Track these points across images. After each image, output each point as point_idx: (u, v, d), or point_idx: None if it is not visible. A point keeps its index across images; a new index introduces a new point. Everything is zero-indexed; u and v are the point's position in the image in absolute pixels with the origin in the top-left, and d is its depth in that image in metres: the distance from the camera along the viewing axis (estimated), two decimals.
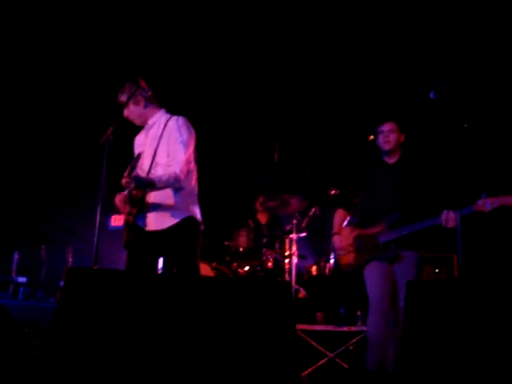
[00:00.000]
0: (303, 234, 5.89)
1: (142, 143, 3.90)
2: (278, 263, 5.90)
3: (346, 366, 4.82)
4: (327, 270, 5.99)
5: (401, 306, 3.56)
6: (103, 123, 3.75)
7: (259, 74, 6.68)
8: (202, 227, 3.78)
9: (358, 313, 5.25)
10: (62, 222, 6.93)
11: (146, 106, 3.84)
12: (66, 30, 6.24)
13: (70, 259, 5.93)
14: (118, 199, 3.72)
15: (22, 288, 5.84)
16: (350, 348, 4.87)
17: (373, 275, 3.82)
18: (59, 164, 6.91)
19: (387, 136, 3.98)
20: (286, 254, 5.68)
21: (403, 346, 2.62)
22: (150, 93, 3.84)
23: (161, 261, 4.73)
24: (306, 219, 5.95)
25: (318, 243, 6.43)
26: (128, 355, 2.29)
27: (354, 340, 4.86)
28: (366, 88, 6.44)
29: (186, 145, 3.68)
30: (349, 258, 4.00)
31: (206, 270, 5.53)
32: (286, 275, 5.59)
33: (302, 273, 6.10)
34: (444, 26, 5.88)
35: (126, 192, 3.75)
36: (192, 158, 3.77)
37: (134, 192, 3.64)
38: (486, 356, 2.31)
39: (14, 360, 3.12)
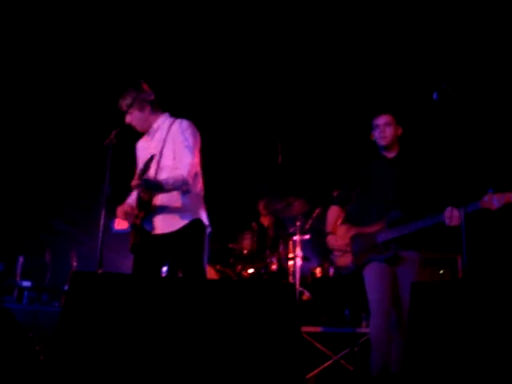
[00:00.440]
0: (307, 236, 5.88)
1: (145, 147, 3.90)
2: (282, 265, 5.89)
3: (350, 367, 4.82)
4: (331, 272, 5.99)
5: (406, 307, 3.45)
6: (106, 127, 3.75)
7: (262, 76, 6.69)
8: (209, 230, 3.78)
9: (363, 314, 5.25)
10: (66, 225, 6.94)
11: (150, 111, 3.82)
12: (71, 33, 6.26)
13: (75, 263, 5.94)
14: (120, 211, 3.71)
15: (26, 292, 5.85)
16: (355, 350, 4.86)
17: (372, 277, 3.67)
18: (63, 168, 6.92)
19: (383, 131, 3.82)
20: (290, 256, 5.67)
21: (407, 348, 2.61)
22: (152, 96, 3.84)
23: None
24: (310, 221, 5.94)
25: (321, 245, 6.42)
26: (133, 359, 2.29)
27: (359, 342, 4.86)
28: (368, 89, 6.43)
29: (192, 148, 3.68)
30: (346, 259, 3.82)
31: (210, 272, 5.53)
32: (290, 277, 5.59)
33: (306, 275, 6.10)
34: (446, 27, 5.87)
35: (130, 200, 3.77)
36: (198, 160, 3.77)
37: (142, 194, 3.64)
38: (490, 358, 2.30)
39: (19, 365, 3.12)
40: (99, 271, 3.36)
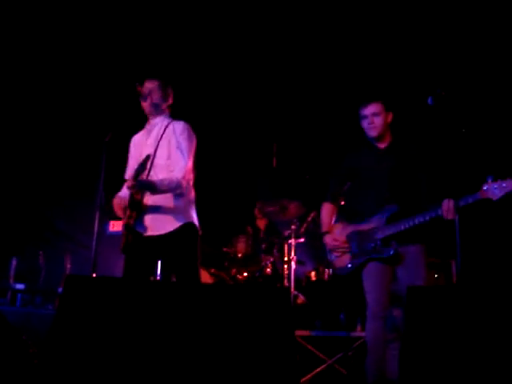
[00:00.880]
0: (302, 240, 5.88)
1: (140, 143, 3.89)
2: (277, 269, 5.89)
3: (344, 371, 4.81)
4: (326, 276, 5.99)
5: None
6: (101, 129, 3.75)
7: (257, 78, 6.69)
8: (200, 233, 3.77)
9: (358, 318, 5.25)
10: (60, 227, 6.92)
11: (164, 106, 3.85)
12: (69, 34, 6.24)
13: (69, 265, 5.93)
14: (116, 202, 3.71)
15: (19, 294, 5.83)
16: (349, 354, 4.86)
17: (370, 279, 3.53)
18: (57, 170, 6.91)
19: (371, 121, 3.61)
20: (285, 259, 5.66)
21: (402, 353, 2.60)
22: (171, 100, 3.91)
23: (159, 267, 4.72)
24: (305, 224, 5.93)
25: (316, 248, 6.42)
26: (126, 363, 2.28)
27: (354, 346, 4.85)
28: (364, 91, 6.43)
29: (187, 151, 3.68)
30: (344, 260, 3.65)
31: (204, 276, 5.52)
32: (285, 281, 5.58)
33: (301, 278, 6.10)
34: (441, 31, 5.89)
35: (122, 194, 3.75)
36: (192, 164, 3.77)
37: (134, 194, 3.63)
38: (486, 362, 2.30)
39: (12, 368, 3.10)
40: (93, 274, 3.36)
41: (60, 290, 5.56)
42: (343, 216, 3.81)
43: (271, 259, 5.93)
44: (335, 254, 3.71)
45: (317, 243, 6.31)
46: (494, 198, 3.14)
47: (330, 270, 5.91)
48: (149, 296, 2.44)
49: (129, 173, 3.89)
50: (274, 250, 6.01)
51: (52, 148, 6.89)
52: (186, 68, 6.47)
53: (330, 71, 6.55)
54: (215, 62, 6.57)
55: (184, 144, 3.69)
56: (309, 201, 5.93)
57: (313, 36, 6.27)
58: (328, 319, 5.44)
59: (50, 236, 6.85)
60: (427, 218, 3.34)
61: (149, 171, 3.68)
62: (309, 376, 4.75)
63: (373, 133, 3.64)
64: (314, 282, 6.05)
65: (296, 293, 5.61)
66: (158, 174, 3.67)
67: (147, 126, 3.89)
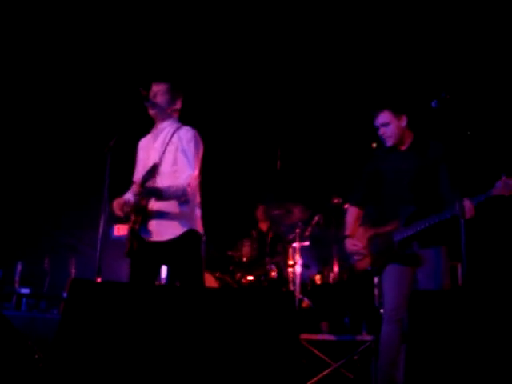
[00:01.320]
0: (306, 243, 5.87)
1: (147, 146, 3.89)
2: (282, 273, 5.88)
3: (350, 376, 4.79)
4: (331, 279, 5.98)
5: None
6: (106, 133, 3.75)
7: (261, 82, 6.70)
8: (204, 239, 3.77)
9: (363, 322, 5.23)
10: (65, 232, 6.93)
11: (171, 111, 3.83)
12: (73, 39, 6.27)
13: (73, 270, 5.93)
14: (116, 202, 3.70)
15: (25, 299, 5.83)
16: (355, 358, 4.84)
17: (389, 281, 3.51)
18: (62, 174, 6.92)
19: (383, 132, 3.58)
20: (290, 263, 5.65)
21: (407, 357, 2.59)
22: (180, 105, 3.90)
23: (164, 271, 4.73)
24: (310, 228, 5.93)
25: (321, 252, 6.41)
26: (132, 367, 2.28)
27: (359, 349, 4.84)
28: (367, 95, 6.43)
29: (195, 159, 3.68)
30: (365, 263, 3.64)
31: (209, 280, 5.52)
32: (290, 285, 5.57)
33: (306, 282, 6.08)
34: (443, 34, 5.89)
35: (127, 198, 3.76)
36: (198, 172, 3.77)
37: (140, 201, 3.64)
38: (492, 366, 2.29)
39: (17, 373, 3.11)
40: (98, 279, 3.36)
41: (65, 294, 5.56)
42: (366, 219, 3.80)
43: (276, 263, 5.91)
44: (356, 257, 3.69)
45: (321, 247, 6.32)
46: (507, 194, 3.13)
47: (337, 274, 5.91)
48: (153, 300, 2.44)
49: (137, 176, 3.89)
50: (279, 254, 6.00)
51: (57, 152, 6.91)
52: (192, 73, 6.48)
53: (333, 76, 6.56)
54: (221, 67, 6.58)
55: (191, 152, 3.68)
56: (313, 204, 5.93)
57: (315, 41, 6.29)
58: (333, 323, 5.42)
59: (55, 240, 6.86)
60: (442, 218, 3.32)
61: (154, 177, 3.69)
62: (314, 380, 4.73)
63: (388, 143, 3.62)
64: (319, 285, 6.04)
65: (301, 296, 5.60)
66: (163, 180, 3.66)
67: (154, 130, 3.88)
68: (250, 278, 5.92)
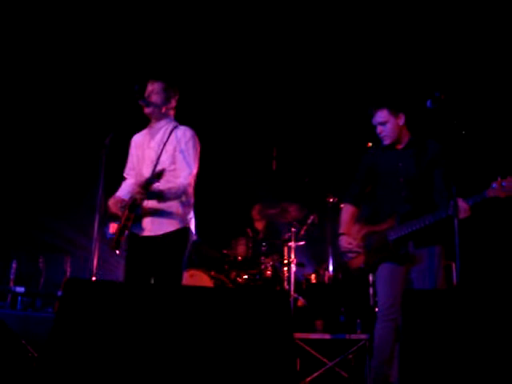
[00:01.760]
0: (302, 242, 5.88)
1: (142, 144, 3.89)
2: (277, 272, 5.89)
3: (345, 374, 4.81)
4: (326, 278, 5.99)
5: None
6: (101, 131, 3.75)
7: (256, 82, 6.70)
8: (194, 238, 3.78)
9: (358, 321, 5.24)
10: (60, 230, 6.92)
11: (166, 110, 3.83)
12: (68, 39, 6.26)
13: (69, 269, 5.92)
14: (111, 202, 3.72)
15: (20, 297, 5.82)
16: (350, 356, 4.85)
17: (382, 280, 3.51)
18: (57, 173, 6.91)
19: (380, 130, 3.58)
20: (285, 262, 5.66)
21: (401, 356, 2.60)
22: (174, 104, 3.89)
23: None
24: (305, 227, 5.93)
25: (316, 251, 6.43)
26: (126, 367, 2.28)
27: (354, 348, 4.85)
28: (364, 94, 6.45)
29: (194, 159, 3.71)
30: (359, 261, 3.64)
31: (204, 278, 5.52)
32: (285, 283, 5.58)
33: (301, 281, 6.10)
34: (439, 34, 5.90)
35: (120, 194, 3.76)
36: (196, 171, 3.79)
37: (138, 199, 3.64)
38: (486, 366, 2.30)
39: (11, 372, 3.10)
40: (93, 278, 3.36)
41: (60, 293, 5.55)
42: (361, 217, 3.80)
43: (271, 262, 5.92)
44: (350, 254, 3.70)
45: (317, 246, 6.33)
46: (502, 195, 3.13)
47: (332, 272, 5.92)
48: (148, 299, 2.44)
49: (127, 171, 3.94)
50: (274, 253, 6.00)
51: (52, 151, 6.90)
52: (188, 72, 6.48)
53: (329, 75, 6.56)
54: (217, 67, 6.58)
55: (190, 151, 3.70)
56: (308, 203, 5.94)
57: (311, 41, 6.29)
58: (328, 321, 5.43)
59: (50, 239, 6.85)
60: (437, 217, 3.32)
61: (159, 180, 3.69)
62: (309, 378, 4.75)
63: (385, 141, 3.63)
64: (314, 284, 6.06)
65: (296, 295, 5.61)
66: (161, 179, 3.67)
67: (150, 129, 3.88)
68: (245, 276, 5.93)
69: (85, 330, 2.33)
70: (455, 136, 3.28)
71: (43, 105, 6.77)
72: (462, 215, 3.18)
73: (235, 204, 6.85)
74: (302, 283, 6.07)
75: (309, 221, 5.95)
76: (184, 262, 3.66)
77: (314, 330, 5.32)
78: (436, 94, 3.23)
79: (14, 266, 5.89)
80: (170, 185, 3.62)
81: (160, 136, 3.79)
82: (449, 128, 3.26)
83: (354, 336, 4.99)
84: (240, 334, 2.36)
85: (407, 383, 2.39)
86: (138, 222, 3.65)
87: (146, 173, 3.71)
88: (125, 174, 3.98)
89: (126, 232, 3.62)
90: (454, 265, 5.22)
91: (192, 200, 3.80)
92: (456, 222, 3.11)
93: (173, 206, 3.67)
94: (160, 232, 3.65)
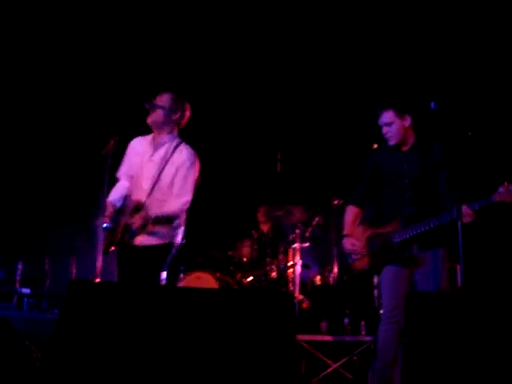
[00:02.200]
0: (307, 244, 5.87)
1: (142, 154, 3.90)
2: (282, 273, 5.88)
3: (350, 376, 4.80)
4: (331, 280, 5.98)
5: None
6: (106, 135, 3.76)
7: (261, 84, 6.70)
8: (183, 242, 3.85)
9: (362, 323, 5.24)
10: (66, 232, 6.94)
11: (171, 121, 3.84)
12: (70, 42, 6.28)
13: (74, 270, 5.95)
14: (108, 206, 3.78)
15: (26, 299, 5.84)
16: (354, 358, 4.85)
17: (387, 282, 3.53)
18: (63, 175, 6.93)
19: (386, 131, 3.60)
20: (290, 263, 5.66)
21: (404, 358, 2.60)
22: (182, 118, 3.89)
23: (163, 273, 4.74)
24: (310, 229, 5.93)
25: (321, 253, 6.41)
26: (129, 368, 2.29)
27: (358, 350, 4.84)
28: (368, 97, 6.44)
29: (193, 185, 3.78)
30: (363, 263, 3.64)
31: (210, 280, 5.52)
32: (290, 285, 5.57)
33: (306, 282, 6.08)
34: (444, 37, 5.89)
35: (111, 199, 3.81)
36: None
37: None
38: (487, 367, 2.30)
39: (14, 373, 3.12)
40: (97, 279, 3.37)
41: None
42: (365, 219, 3.80)
43: (276, 263, 5.91)
44: (354, 256, 3.70)
45: (321, 247, 6.32)
46: (509, 200, 3.13)
47: (337, 274, 5.91)
48: (152, 301, 2.45)
49: (121, 173, 3.98)
50: (279, 255, 6.00)
51: (58, 154, 6.92)
52: (193, 76, 6.49)
53: (333, 78, 6.56)
54: (223, 71, 6.59)
55: (190, 179, 3.76)
56: (313, 205, 5.93)
57: (316, 42, 6.28)
58: (333, 323, 5.42)
59: (56, 241, 6.87)
60: (442, 221, 3.32)
61: (150, 191, 3.73)
62: (314, 380, 4.74)
63: (390, 142, 3.64)
64: (318, 286, 6.04)
65: (301, 297, 5.60)
66: (156, 195, 3.74)
67: (153, 141, 3.88)
68: (250, 278, 5.93)
69: (88, 331, 2.34)
70: (460, 138, 3.28)
71: (50, 108, 6.79)
72: (467, 220, 3.17)
73: (240, 205, 6.85)
74: (306, 285, 6.06)
75: (314, 222, 5.94)
76: (159, 275, 3.70)
77: (318, 332, 5.31)
78: (440, 95, 3.23)
79: (19, 267, 5.92)
80: (164, 209, 3.69)
81: (163, 152, 3.80)
82: (453, 130, 3.25)
83: (358, 338, 4.98)
84: (244, 335, 2.37)
85: None
86: (130, 232, 3.72)
87: (146, 186, 3.76)
88: (118, 175, 4.00)
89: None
90: (458, 267, 5.22)
91: (184, 217, 3.86)
92: (460, 224, 3.09)
93: (163, 227, 3.73)
94: (148, 243, 3.72)
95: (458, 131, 3.30)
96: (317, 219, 5.92)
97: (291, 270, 5.63)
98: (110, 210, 3.72)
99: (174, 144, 3.79)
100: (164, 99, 3.81)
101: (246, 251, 6.08)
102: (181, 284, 5.07)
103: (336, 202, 5.85)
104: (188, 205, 3.74)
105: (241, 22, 6.13)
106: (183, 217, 3.83)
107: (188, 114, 3.90)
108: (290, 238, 5.82)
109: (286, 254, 5.86)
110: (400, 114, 3.59)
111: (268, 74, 6.60)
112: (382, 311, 3.58)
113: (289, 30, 6.18)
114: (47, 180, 6.94)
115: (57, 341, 2.33)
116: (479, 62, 5.89)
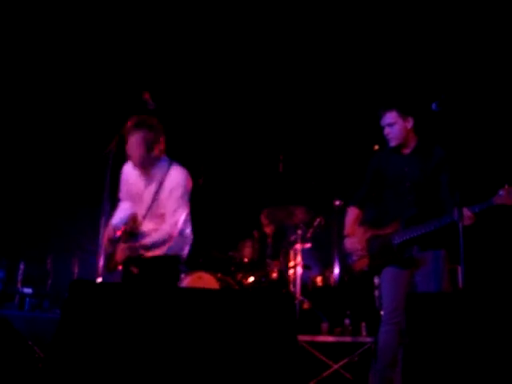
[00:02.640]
0: (308, 245, 5.87)
1: (135, 183, 3.90)
2: (283, 274, 5.89)
3: (350, 377, 4.80)
4: (332, 281, 5.98)
5: None
6: (108, 135, 3.77)
7: (263, 86, 6.71)
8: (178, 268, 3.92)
9: (363, 324, 5.24)
10: (68, 232, 6.95)
11: (154, 156, 3.77)
12: (71, 43, 6.29)
13: (76, 270, 5.95)
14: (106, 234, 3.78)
15: (27, 299, 5.85)
16: (355, 359, 4.85)
17: (387, 283, 3.54)
18: (65, 175, 6.94)
19: (388, 132, 3.59)
20: (291, 264, 5.66)
21: (404, 360, 2.60)
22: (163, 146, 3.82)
23: None
24: (311, 230, 5.93)
25: (323, 254, 6.42)
26: (131, 368, 2.29)
27: (359, 351, 4.84)
28: (370, 98, 6.44)
29: (185, 205, 3.77)
30: (362, 264, 3.66)
31: (211, 281, 5.53)
32: (291, 286, 5.58)
33: (307, 283, 6.09)
34: (445, 38, 5.89)
35: (114, 222, 3.84)
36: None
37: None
38: (488, 368, 2.30)
39: (17, 373, 3.13)
40: (98, 279, 3.38)
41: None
42: (366, 220, 3.81)
43: (277, 264, 5.92)
44: (354, 257, 3.71)
45: (323, 248, 6.32)
46: (510, 203, 3.13)
47: (337, 275, 5.92)
48: (153, 301, 2.45)
49: (121, 196, 3.99)
50: (281, 255, 6.01)
51: (60, 154, 6.93)
52: (197, 78, 6.50)
53: (335, 80, 6.56)
54: (225, 73, 6.59)
55: (183, 200, 3.75)
56: (315, 206, 5.94)
57: (318, 44, 6.29)
58: (334, 324, 5.43)
59: (58, 240, 6.88)
60: (443, 223, 3.33)
61: (144, 218, 3.77)
62: (314, 381, 4.74)
63: (391, 143, 3.63)
64: (319, 287, 6.05)
65: (302, 298, 5.60)
66: (152, 219, 3.77)
67: (145, 174, 3.83)
68: (251, 278, 5.93)
69: (90, 331, 2.34)
70: (460, 139, 3.28)
71: (53, 109, 6.81)
72: (467, 222, 3.18)
73: (241, 206, 6.86)
74: (308, 286, 6.07)
75: (315, 223, 5.95)
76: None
77: (319, 333, 5.32)
78: (441, 96, 3.23)
79: (21, 267, 5.92)
80: (156, 234, 3.71)
81: (157, 181, 3.77)
82: (455, 131, 3.26)
83: (359, 339, 4.98)
84: (244, 336, 2.37)
85: None
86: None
87: (143, 211, 3.79)
88: (119, 197, 4.03)
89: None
90: (459, 268, 5.22)
91: (187, 234, 3.89)
92: (461, 226, 3.10)
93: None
94: (151, 254, 3.74)
95: (458, 133, 3.30)
96: (318, 220, 5.93)
97: (292, 270, 5.64)
98: (110, 235, 3.74)
99: (165, 170, 3.78)
100: (135, 144, 3.70)
101: (247, 252, 6.09)
102: (182, 284, 5.07)
103: (337, 204, 5.86)
104: (176, 227, 3.71)
105: (243, 24, 6.13)
106: (189, 228, 3.87)
107: (163, 137, 3.79)
108: (292, 238, 5.83)
109: (287, 254, 5.87)
110: (403, 115, 3.58)
111: (270, 76, 6.60)
112: (382, 312, 3.60)
113: (291, 32, 6.19)
114: (49, 180, 6.95)
115: (59, 341, 2.33)
116: (482, 65, 5.89)
